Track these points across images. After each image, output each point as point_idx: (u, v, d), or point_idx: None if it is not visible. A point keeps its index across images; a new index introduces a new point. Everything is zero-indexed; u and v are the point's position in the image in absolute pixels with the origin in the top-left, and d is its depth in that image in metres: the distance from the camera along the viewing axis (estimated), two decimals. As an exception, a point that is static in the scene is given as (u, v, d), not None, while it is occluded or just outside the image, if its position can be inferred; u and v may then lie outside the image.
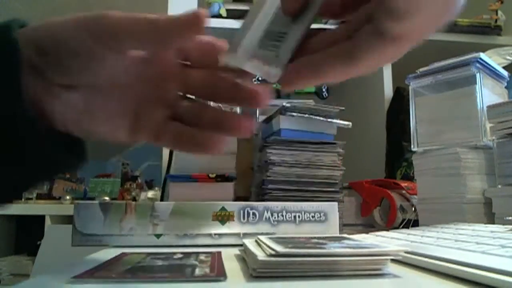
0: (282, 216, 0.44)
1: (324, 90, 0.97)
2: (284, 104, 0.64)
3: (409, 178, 0.85)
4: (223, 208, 0.44)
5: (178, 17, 0.24)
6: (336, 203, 0.46)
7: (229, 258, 0.33)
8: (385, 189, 0.70)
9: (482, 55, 0.61)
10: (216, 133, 0.27)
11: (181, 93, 0.29)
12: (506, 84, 0.69)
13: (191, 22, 0.23)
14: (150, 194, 1.25)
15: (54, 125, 0.26)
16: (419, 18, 0.19)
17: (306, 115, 0.64)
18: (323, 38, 0.24)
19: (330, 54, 0.22)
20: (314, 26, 0.24)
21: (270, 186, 0.61)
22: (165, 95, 0.28)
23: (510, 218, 0.51)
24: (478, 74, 0.60)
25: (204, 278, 0.24)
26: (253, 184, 0.75)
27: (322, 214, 0.45)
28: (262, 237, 0.32)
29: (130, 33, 0.24)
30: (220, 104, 0.31)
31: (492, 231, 0.37)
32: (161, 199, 0.71)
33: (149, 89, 0.28)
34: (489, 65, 0.63)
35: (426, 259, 0.27)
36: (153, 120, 0.28)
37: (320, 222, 0.45)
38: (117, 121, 0.28)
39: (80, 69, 0.25)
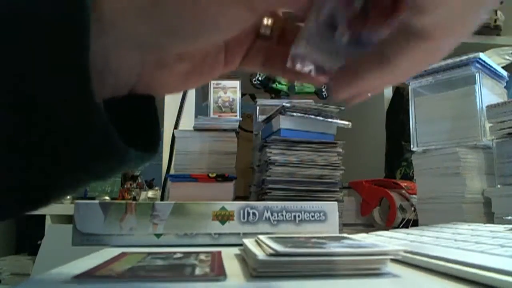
0: (282, 215, 0.44)
1: (324, 90, 0.97)
2: (284, 104, 0.64)
3: (409, 178, 0.85)
4: (223, 208, 0.44)
5: None
6: (336, 203, 0.46)
7: (229, 258, 0.33)
8: (385, 188, 0.71)
9: (482, 55, 0.61)
10: None
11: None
12: (505, 84, 0.69)
13: None
14: (150, 193, 1.25)
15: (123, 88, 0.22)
16: (442, 10, 0.17)
17: (306, 115, 0.64)
18: None
19: (365, 60, 0.20)
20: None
21: (270, 185, 0.61)
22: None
23: (509, 217, 0.51)
24: (478, 74, 0.61)
25: (204, 278, 0.24)
26: (253, 183, 0.75)
27: (322, 214, 0.45)
28: (262, 237, 0.32)
29: None
30: None
31: (491, 231, 0.37)
32: (161, 199, 0.71)
33: None
34: (489, 65, 0.63)
35: (425, 259, 0.27)
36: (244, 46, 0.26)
37: (320, 222, 0.45)
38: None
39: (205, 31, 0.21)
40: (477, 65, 0.61)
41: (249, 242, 0.32)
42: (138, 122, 0.25)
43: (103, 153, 0.22)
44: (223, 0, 0.20)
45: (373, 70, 0.20)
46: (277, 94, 0.96)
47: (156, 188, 1.44)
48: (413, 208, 0.66)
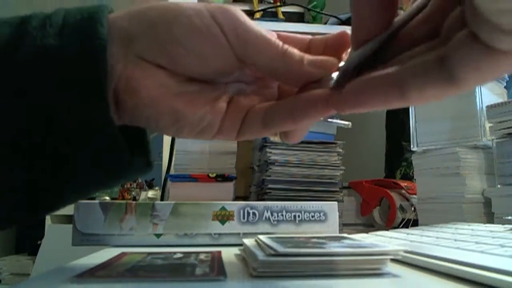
0: (282, 215, 0.44)
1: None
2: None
3: (409, 178, 0.85)
4: (223, 208, 0.44)
5: (316, 61, 0.23)
6: (336, 203, 0.46)
7: (229, 258, 0.33)
8: (385, 188, 0.71)
9: (482, 55, 0.61)
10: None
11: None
12: (505, 84, 0.69)
13: (327, 67, 0.23)
14: (150, 193, 1.25)
15: (123, 116, 0.24)
16: None
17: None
18: (402, 41, 0.20)
19: (418, 72, 0.17)
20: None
21: (270, 185, 0.61)
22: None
23: (509, 217, 0.51)
24: (478, 74, 0.60)
25: (204, 278, 0.24)
26: (253, 183, 0.75)
27: (322, 214, 0.45)
28: (262, 237, 0.32)
29: (257, 52, 0.23)
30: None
31: (491, 231, 0.37)
32: (161, 199, 0.71)
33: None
34: (489, 65, 0.63)
35: (425, 259, 0.27)
36: (245, 106, 0.26)
37: (320, 222, 0.45)
38: (212, 108, 0.25)
39: (192, 55, 0.23)
40: (477, 65, 0.60)
41: (249, 242, 0.32)
42: (132, 140, 0.26)
43: (107, 158, 0.23)
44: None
45: (429, 88, 0.18)
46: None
47: (156, 188, 1.44)
48: (413, 208, 0.66)
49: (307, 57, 0.23)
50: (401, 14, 0.19)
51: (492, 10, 0.13)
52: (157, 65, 0.23)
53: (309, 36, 0.26)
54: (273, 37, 0.24)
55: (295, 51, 0.23)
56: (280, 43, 0.23)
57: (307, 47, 0.26)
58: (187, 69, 0.24)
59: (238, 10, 0.23)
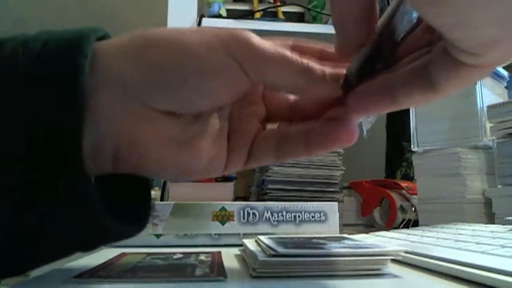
0: (282, 216, 0.44)
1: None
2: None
3: (409, 178, 0.85)
4: (223, 208, 0.44)
5: (338, 75, 0.21)
6: (336, 203, 0.46)
7: (229, 258, 0.33)
8: (385, 189, 0.70)
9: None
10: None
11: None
12: (506, 84, 0.69)
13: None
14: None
15: (117, 169, 0.21)
16: (498, 51, 0.15)
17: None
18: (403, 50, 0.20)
19: (406, 79, 0.19)
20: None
21: (270, 186, 0.61)
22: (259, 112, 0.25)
23: (510, 218, 0.51)
24: (478, 74, 0.60)
25: (204, 278, 0.24)
26: (253, 184, 0.75)
27: (322, 214, 0.45)
28: (262, 237, 0.32)
29: (277, 74, 0.21)
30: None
31: (492, 231, 0.37)
32: (161, 199, 0.71)
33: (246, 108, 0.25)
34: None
35: (426, 259, 0.27)
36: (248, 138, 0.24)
37: (320, 222, 0.45)
38: (216, 148, 0.23)
39: (205, 95, 0.21)
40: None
41: (249, 243, 0.32)
42: (127, 191, 0.24)
43: (87, 225, 0.20)
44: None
45: (414, 92, 0.19)
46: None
47: (156, 188, 1.43)
48: (413, 209, 0.66)
49: (328, 71, 0.21)
50: (382, 16, 0.19)
51: (453, 38, 0.15)
52: (165, 112, 0.21)
53: (322, 45, 0.25)
54: (288, 51, 0.21)
55: (316, 66, 0.21)
56: (298, 58, 0.21)
57: (320, 54, 0.24)
58: (199, 108, 0.22)
59: (248, 33, 0.21)
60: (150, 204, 0.25)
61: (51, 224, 0.19)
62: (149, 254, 0.34)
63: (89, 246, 0.22)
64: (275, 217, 0.44)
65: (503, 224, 0.46)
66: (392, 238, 0.39)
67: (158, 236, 0.42)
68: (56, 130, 0.18)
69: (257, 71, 0.21)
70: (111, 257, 0.32)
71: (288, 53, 0.21)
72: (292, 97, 0.26)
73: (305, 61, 0.21)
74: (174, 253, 0.34)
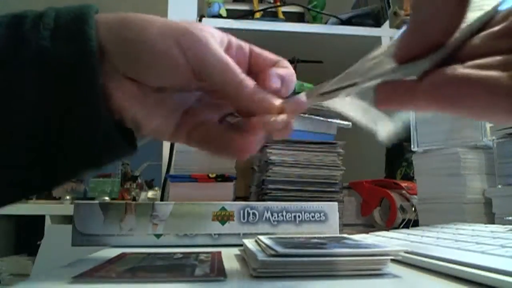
0: (282, 216, 0.44)
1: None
2: (284, 104, 0.64)
3: (409, 178, 0.85)
4: (223, 208, 0.44)
5: (267, 101, 0.26)
6: (336, 203, 0.46)
7: (229, 258, 0.33)
8: (385, 189, 0.70)
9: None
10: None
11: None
12: (506, 84, 0.69)
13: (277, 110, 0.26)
14: (150, 194, 1.25)
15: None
16: None
17: (306, 115, 0.64)
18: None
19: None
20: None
21: (270, 186, 0.61)
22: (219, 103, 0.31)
23: (510, 218, 0.51)
24: (478, 74, 0.60)
25: (204, 278, 0.24)
26: (253, 184, 0.75)
27: (322, 214, 0.45)
28: (262, 237, 0.32)
29: (213, 75, 0.26)
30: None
31: (492, 231, 0.37)
32: (161, 199, 0.71)
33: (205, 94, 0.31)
34: (489, 65, 0.63)
35: (426, 259, 0.27)
36: (197, 121, 0.30)
37: (320, 222, 0.45)
38: (168, 119, 0.29)
39: (155, 72, 0.26)
40: (478, 65, 0.60)
41: (249, 243, 0.32)
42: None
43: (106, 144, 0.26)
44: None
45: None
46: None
47: (156, 188, 1.43)
48: (413, 209, 0.66)
49: (259, 95, 0.26)
50: (460, 29, 0.18)
51: None
52: (128, 77, 0.26)
53: (279, 58, 0.29)
54: (233, 64, 0.26)
55: (250, 84, 0.26)
56: (240, 72, 0.26)
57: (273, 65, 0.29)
58: (152, 82, 0.27)
59: (204, 35, 0.26)
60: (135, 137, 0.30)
61: (71, 125, 0.25)
62: (149, 254, 0.34)
63: (97, 158, 0.27)
64: (275, 217, 0.44)
65: (503, 224, 0.46)
66: (392, 238, 0.39)
67: (158, 236, 0.42)
68: (79, 57, 0.24)
69: (195, 60, 0.25)
70: (111, 257, 0.32)
71: (230, 61, 0.26)
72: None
73: (242, 75, 0.26)
74: (174, 253, 0.34)
